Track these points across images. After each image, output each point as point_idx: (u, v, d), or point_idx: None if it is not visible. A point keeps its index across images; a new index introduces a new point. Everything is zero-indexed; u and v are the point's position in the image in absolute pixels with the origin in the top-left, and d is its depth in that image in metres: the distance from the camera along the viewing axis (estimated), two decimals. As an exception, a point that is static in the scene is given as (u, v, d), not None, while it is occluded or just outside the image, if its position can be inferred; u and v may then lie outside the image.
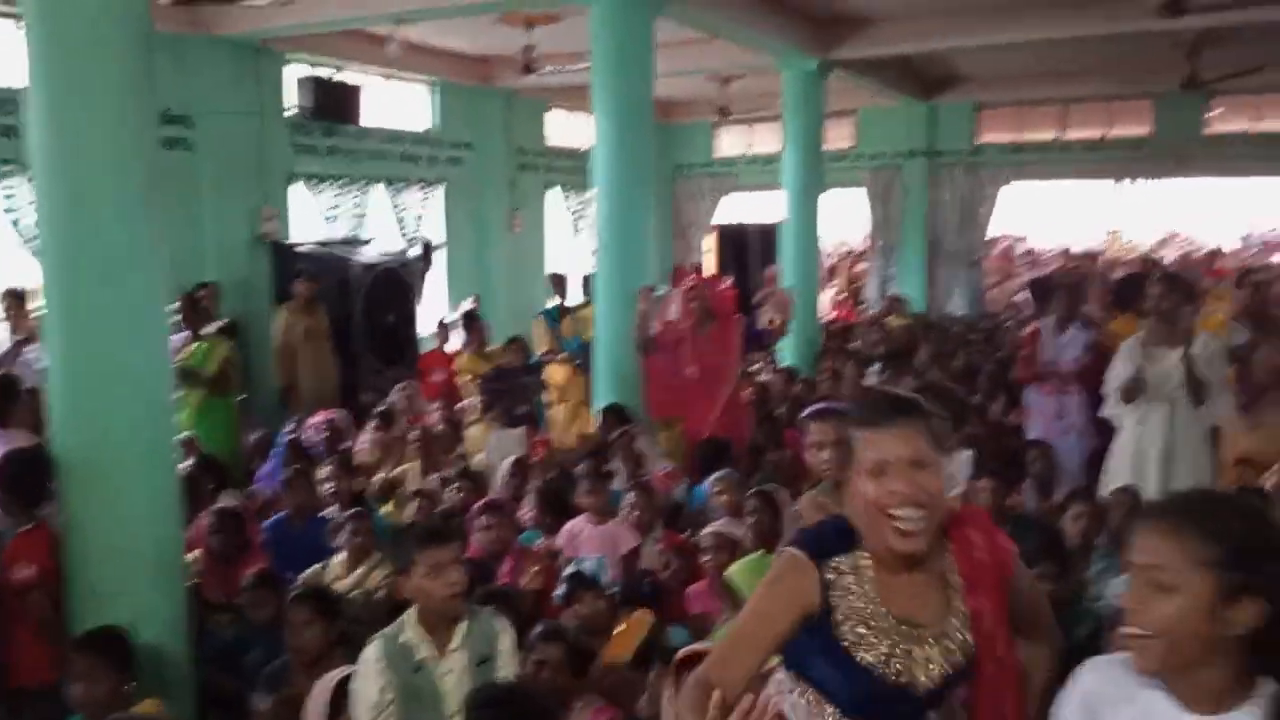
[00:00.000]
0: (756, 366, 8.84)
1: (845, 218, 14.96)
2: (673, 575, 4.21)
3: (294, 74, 9.36)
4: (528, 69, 9.29)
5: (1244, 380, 5.06)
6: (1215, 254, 13.07)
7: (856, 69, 10.35)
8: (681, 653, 2.60)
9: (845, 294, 13.95)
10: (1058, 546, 3.79)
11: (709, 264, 14.44)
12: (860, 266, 14.59)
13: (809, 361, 9.23)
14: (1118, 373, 4.77)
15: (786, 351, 9.62)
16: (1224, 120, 12.40)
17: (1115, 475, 4.82)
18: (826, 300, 13.07)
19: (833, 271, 14.97)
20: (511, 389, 6.83)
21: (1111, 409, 4.94)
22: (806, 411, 3.06)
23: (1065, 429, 5.84)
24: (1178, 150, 12.47)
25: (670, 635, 3.80)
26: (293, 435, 6.33)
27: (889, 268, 14.11)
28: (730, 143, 15.15)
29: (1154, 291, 4.81)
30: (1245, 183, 13.54)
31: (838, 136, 13.58)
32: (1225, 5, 6.95)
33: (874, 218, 14.20)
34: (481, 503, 4.74)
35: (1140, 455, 4.78)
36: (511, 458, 5.68)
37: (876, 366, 7.38)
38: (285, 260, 8.69)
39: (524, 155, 12.47)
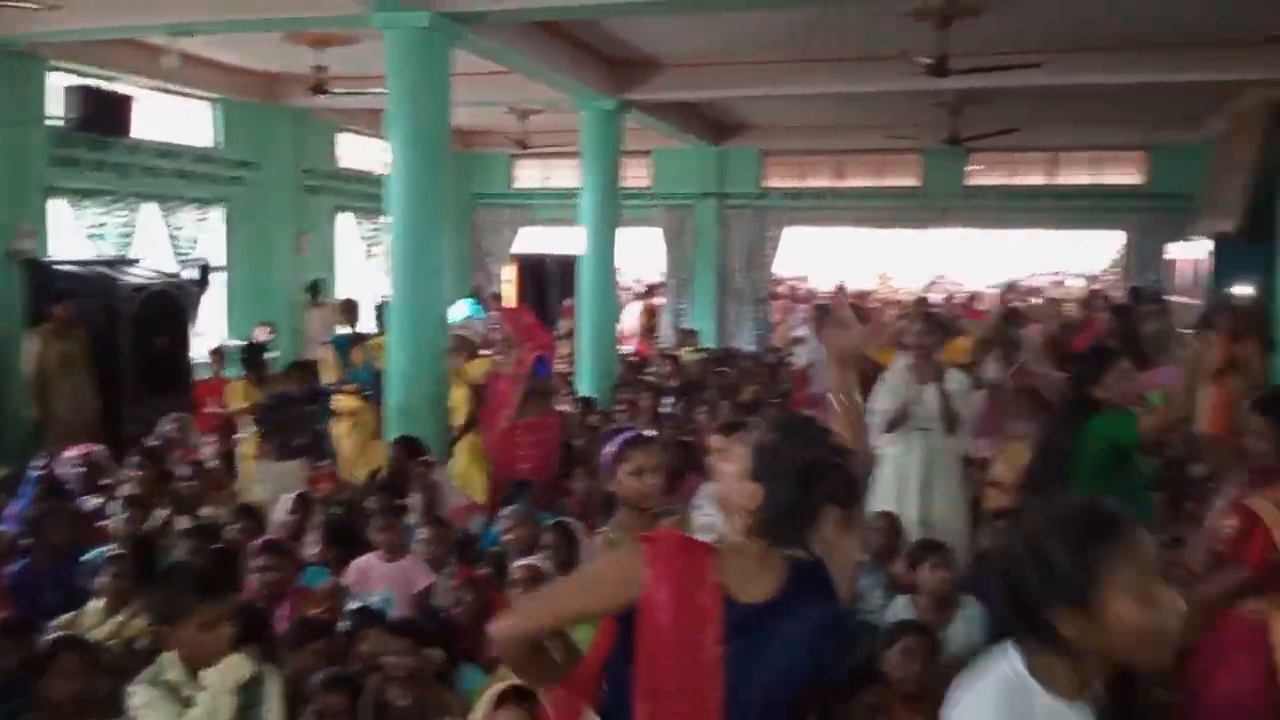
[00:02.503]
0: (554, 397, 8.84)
1: (643, 254, 15.33)
2: (466, 611, 4.11)
3: (61, 82, 8.66)
4: (318, 89, 9.00)
5: (993, 409, 5.53)
6: (975, 297, 14.21)
7: (652, 111, 10.67)
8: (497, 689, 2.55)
9: (640, 328, 14.23)
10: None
11: (509, 294, 14.40)
12: (657, 301, 14.96)
13: (606, 393, 9.34)
14: (881, 404, 5.08)
15: (583, 382, 9.69)
16: (983, 175, 13.60)
17: (879, 500, 5.12)
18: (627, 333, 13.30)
19: (647, 299, 15.25)
20: (291, 419, 6.49)
21: (875, 438, 5.24)
22: (624, 437, 3.06)
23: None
24: (942, 201, 13.58)
25: (463, 674, 3.70)
26: (44, 470, 5.78)
27: (682, 303, 14.56)
28: (529, 175, 15.23)
29: (915, 329, 5.15)
30: (1003, 233, 14.87)
31: (635, 175, 13.92)
32: (982, 69, 7.62)
33: (669, 255, 14.64)
34: (260, 541, 4.47)
35: (902, 482, 5.08)
36: (291, 493, 5.40)
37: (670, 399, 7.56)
38: (42, 280, 7.98)
39: (313, 177, 12.04)
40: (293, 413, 6.50)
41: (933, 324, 5.28)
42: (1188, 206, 11.69)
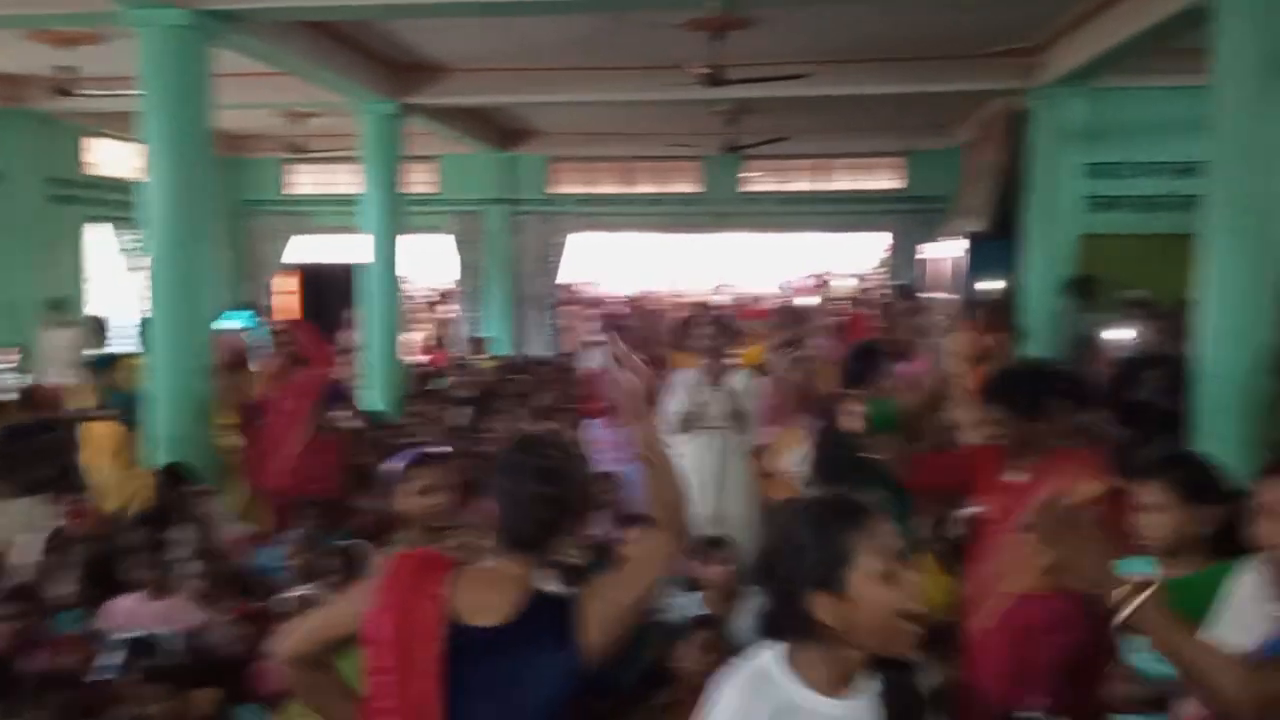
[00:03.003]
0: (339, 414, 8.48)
1: (434, 261, 15.04)
2: (242, 648, 3.86)
3: None
4: (63, 91, 8.28)
5: (776, 401, 5.77)
6: (756, 300, 14.78)
7: (435, 116, 10.46)
8: None
9: (434, 337, 13.95)
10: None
11: (290, 305, 13.74)
12: (448, 310, 14.71)
13: (395, 405, 9.06)
14: (674, 405, 5.18)
15: (371, 395, 9.38)
16: (758, 181, 14.19)
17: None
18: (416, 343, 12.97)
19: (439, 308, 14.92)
20: (27, 451, 5.83)
21: (669, 438, 5.36)
22: (409, 455, 2.94)
23: (630, 458, 6.22)
24: (721, 207, 14.09)
25: (240, 715, 3.47)
26: None
27: (475, 311, 14.38)
28: (306, 181, 14.61)
29: (705, 333, 5.30)
30: (778, 237, 15.55)
31: (422, 181, 13.62)
32: (754, 80, 7.93)
33: (461, 262, 14.44)
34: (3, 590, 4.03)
35: (695, 479, 5.22)
36: (35, 532, 4.89)
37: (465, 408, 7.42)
38: None
39: (58, 185, 11.06)
40: (30, 444, 5.86)
41: (721, 327, 5.45)
42: (943, 208, 12.62)
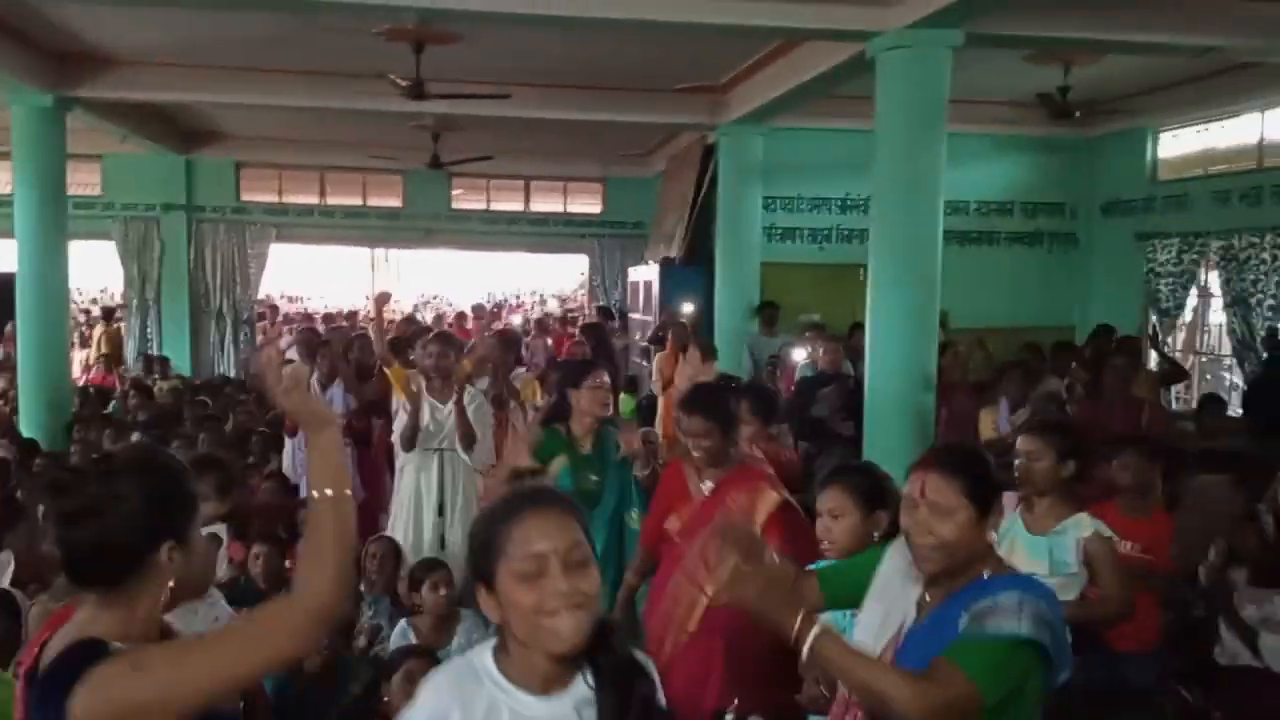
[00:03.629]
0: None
1: (99, 271, 13.55)
2: None
3: None
4: None
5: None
6: (463, 316, 14.66)
7: (102, 111, 9.49)
8: None
9: (98, 355, 12.56)
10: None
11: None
12: (114, 324, 13.30)
13: (59, 432, 8.09)
14: (397, 422, 5.04)
15: (27, 421, 8.32)
16: (466, 199, 14.10)
17: (396, 519, 5.05)
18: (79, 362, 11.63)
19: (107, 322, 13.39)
20: None
21: (400, 456, 5.20)
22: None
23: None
24: (426, 223, 13.84)
25: None
26: None
27: (149, 327, 13.14)
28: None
29: (430, 349, 5.16)
30: (485, 255, 15.55)
31: (84, 182, 12.29)
32: (456, 95, 7.88)
33: (127, 273, 13.12)
34: None
35: (419, 498, 5.07)
36: None
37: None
38: None
39: None
40: None
41: (447, 343, 5.33)
42: (642, 234, 13.15)
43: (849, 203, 9.91)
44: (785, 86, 7.83)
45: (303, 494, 5.98)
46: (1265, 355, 7.72)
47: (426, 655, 3.30)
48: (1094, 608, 3.03)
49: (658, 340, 8.06)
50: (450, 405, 5.05)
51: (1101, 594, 3.05)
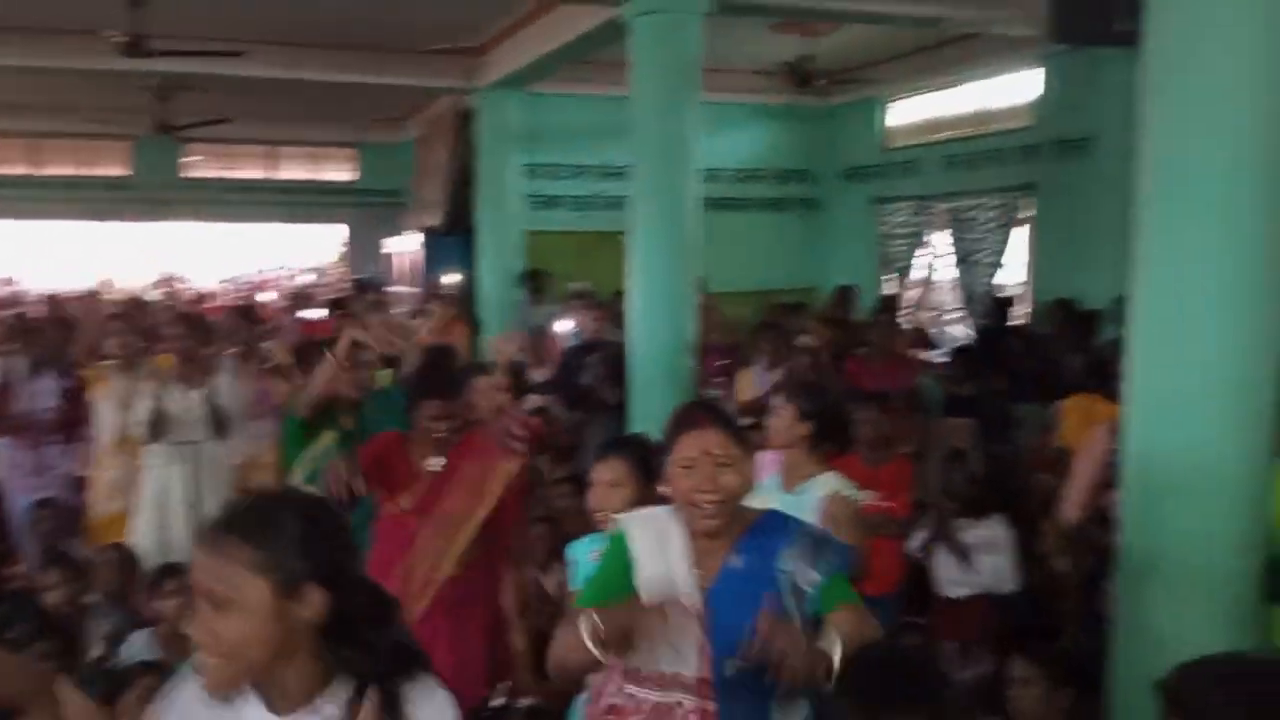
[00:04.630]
0: None
1: None
2: None
3: None
4: None
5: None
6: (206, 295, 13.63)
7: None
8: None
9: None
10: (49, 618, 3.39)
11: None
12: None
13: None
14: (140, 411, 4.57)
15: None
16: (201, 166, 13.07)
17: (138, 519, 4.64)
18: None
19: None
20: None
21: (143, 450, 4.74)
22: None
23: (47, 483, 5.39)
24: (157, 193, 12.73)
25: None
26: None
27: None
28: None
29: (174, 332, 4.74)
30: (227, 226, 14.49)
31: None
32: (183, 52, 7.23)
33: None
34: None
35: (165, 495, 4.65)
36: None
37: None
38: None
39: None
40: None
41: (194, 325, 4.89)
42: (399, 202, 12.69)
43: (610, 170, 9.94)
44: (542, 50, 7.73)
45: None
46: (988, 309, 8.44)
47: (157, 671, 3.01)
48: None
49: (421, 312, 7.79)
50: (200, 393, 4.66)
51: None
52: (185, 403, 4.65)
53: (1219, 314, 2.72)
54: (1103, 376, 5.09)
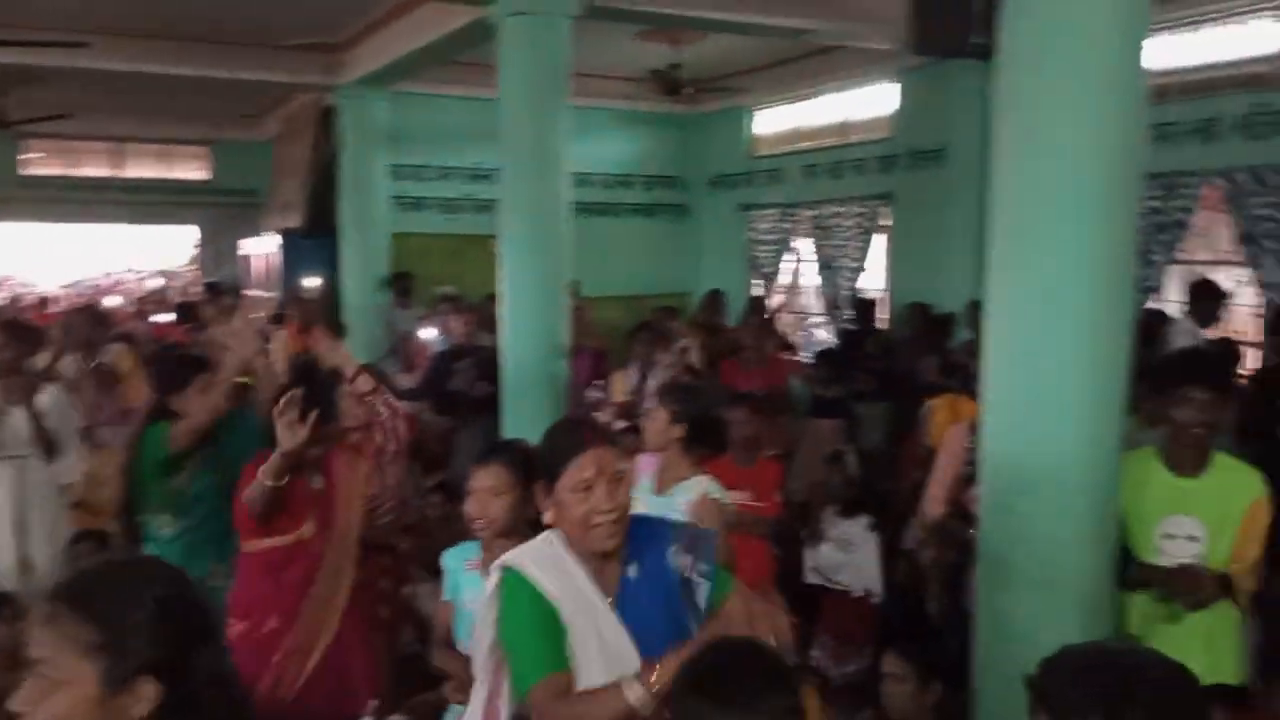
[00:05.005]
0: None
1: None
2: None
3: None
4: None
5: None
6: (46, 299, 12.82)
7: None
8: None
9: None
10: None
11: None
12: None
13: None
14: None
15: None
16: (41, 164, 12.26)
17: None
18: None
19: None
20: None
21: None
22: None
23: None
24: (-6, 191, 11.88)
25: None
26: None
27: None
28: None
29: None
30: (70, 227, 13.66)
31: None
32: (25, 43, 6.76)
33: None
34: None
35: None
36: None
37: None
38: None
39: None
40: None
41: (16, 334, 4.52)
42: (256, 203, 12.20)
43: (479, 172, 9.80)
44: (406, 48, 7.56)
45: None
46: (852, 313, 8.70)
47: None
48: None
49: (278, 319, 7.50)
50: (22, 408, 4.32)
51: None
52: (10, 419, 4.31)
53: (1069, 317, 2.86)
54: (958, 377, 5.32)
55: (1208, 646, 2.89)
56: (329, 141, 9.53)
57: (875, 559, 4.48)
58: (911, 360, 6.84)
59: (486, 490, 2.54)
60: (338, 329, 7.84)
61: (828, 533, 4.53)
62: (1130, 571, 2.94)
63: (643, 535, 2.00)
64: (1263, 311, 6.18)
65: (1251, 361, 6.21)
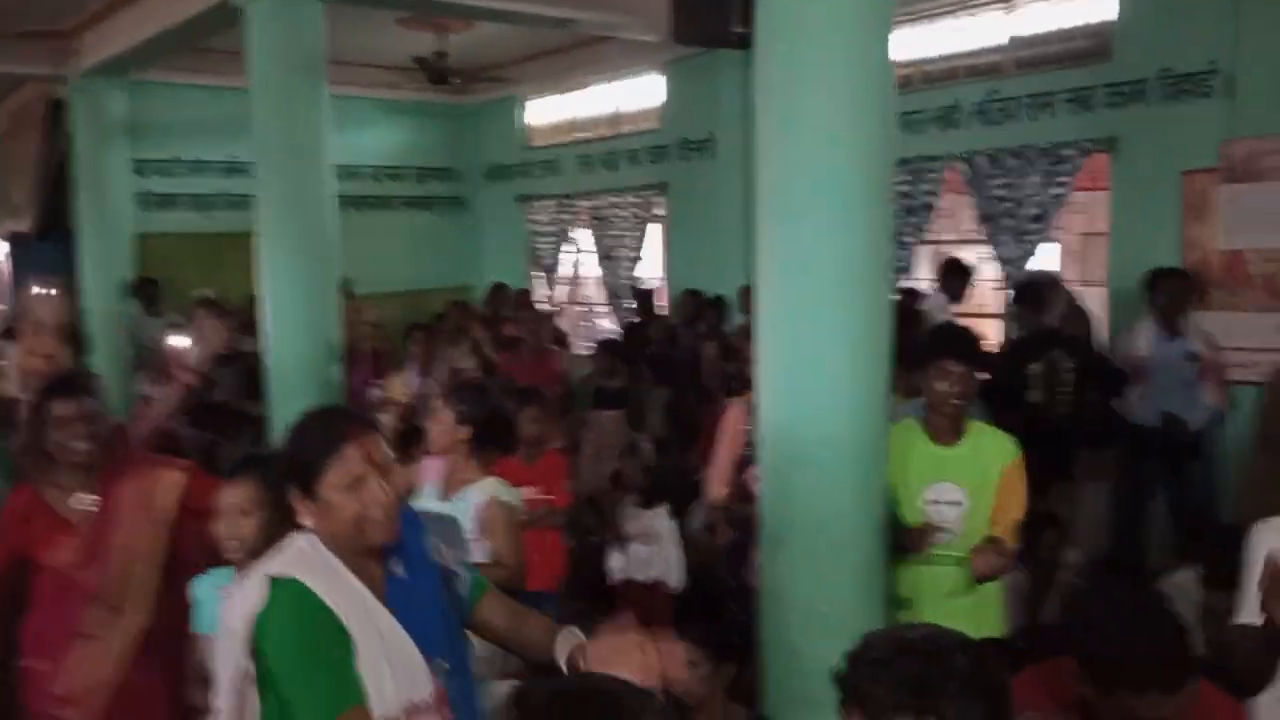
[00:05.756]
0: None
1: None
2: None
3: None
4: None
5: None
6: None
7: None
8: None
9: None
10: None
11: None
12: None
13: None
14: None
15: None
16: None
17: None
18: None
19: None
20: None
21: None
22: None
23: None
24: None
25: None
26: None
27: None
28: None
29: None
30: None
31: None
32: None
33: None
34: None
35: None
36: None
37: None
38: None
39: None
40: None
41: None
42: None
43: (235, 166, 9.17)
44: (143, 35, 6.95)
45: None
46: (633, 303, 8.79)
47: None
48: (492, 570, 3.04)
49: (6, 334, 6.74)
50: None
51: (497, 559, 3.07)
52: None
53: (834, 299, 2.95)
54: (737, 361, 5.46)
55: (974, 605, 3.08)
56: (61, 136, 8.66)
57: (677, 547, 4.52)
58: (692, 347, 6.99)
59: (234, 509, 2.32)
60: (78, 340, 7.15)
61: (630, 529, 4.52)
62: (898, 538, 3.08)
63: (404, 528, 1.86)
64: (1002, 286, 6.70)
65: (993, 333, 6.74)
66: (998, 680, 1.35)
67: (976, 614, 3.04)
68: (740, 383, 4.86)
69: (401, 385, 6.23)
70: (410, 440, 4.08)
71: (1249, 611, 2.17)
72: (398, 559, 1.83)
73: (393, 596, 1.79)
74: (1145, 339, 5.17)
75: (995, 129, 6.55)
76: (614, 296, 9.47)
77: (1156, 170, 5.75)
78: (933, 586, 3.08)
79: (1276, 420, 5.23)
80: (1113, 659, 1.75)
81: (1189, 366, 5.09)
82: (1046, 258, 6.88)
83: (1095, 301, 6.26)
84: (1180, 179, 5.63)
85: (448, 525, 1.94)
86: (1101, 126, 5.99)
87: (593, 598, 4.56)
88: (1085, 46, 6.17)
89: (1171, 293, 5.14)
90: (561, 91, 10.17)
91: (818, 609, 2.93)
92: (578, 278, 10.58)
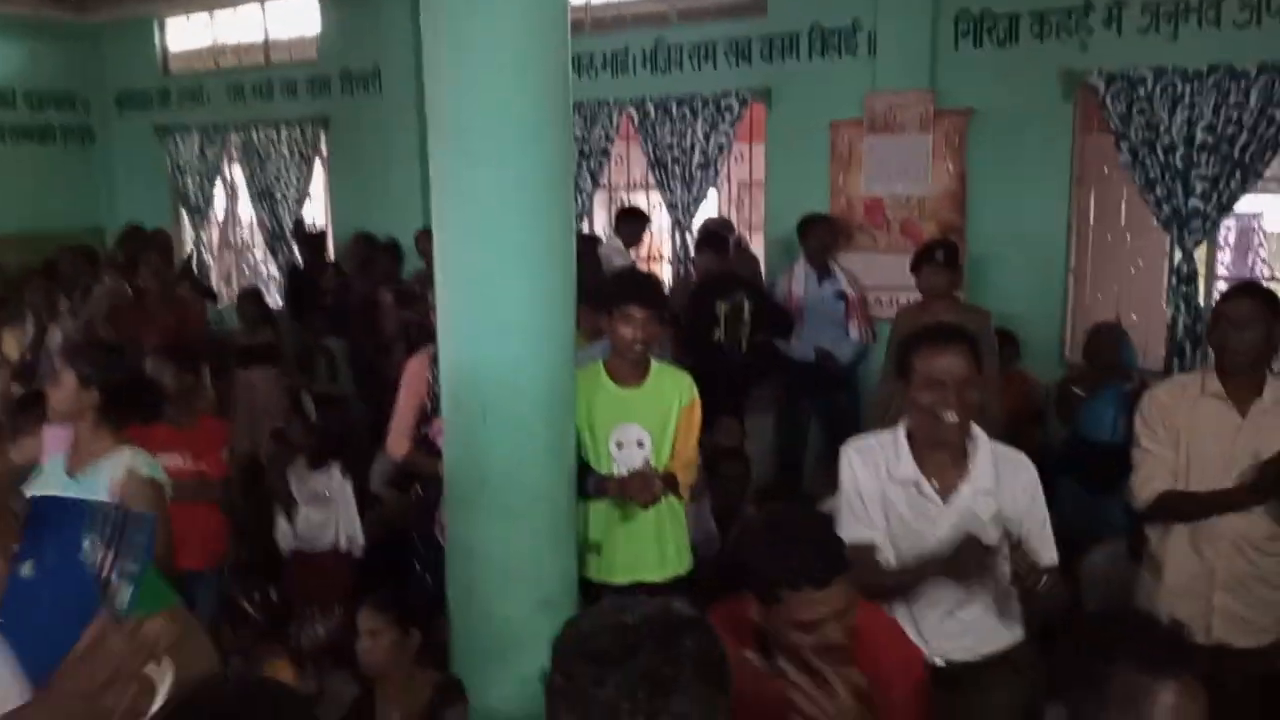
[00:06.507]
0: None
1: None
2: None
3: None
4: None
5: None
6: None
7: None
8: None
9: None
10: None
11: None
12: None
13: None
14: None
15: None
16: None
17: None
18: None
19: None
20: None
21: None
22: None
23: None
24: None
25: None
26: None
27: None
28: None
29: None
30: None
31: None
32: None
33: None
34: None
35: None
36: None
37: None
38: None
39: None
40: None
41: None
42: None
43: None
44: None
45: None
46: (297, 247, 8.17)
47: None
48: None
49: None
50: None
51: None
52: None
53: (514, 241, 2.81)
54: (415, 309, 5.21)
55: (658, 541, 3.14)
56: None
57: (353, 508, 4.23)
58: (367, 295, 6.57)
59: None
60: None
61: (298, 492, 4.16)
62: (589, 483, 3.06)
63: (47, 520, 1.53)
64: (674, 230, 6.90)
65: (666, 277, 6.95)
66: (720, 650, 1.24)
67: (660, 548, 3.11)
68: (420, 331, 4.65)
69: (14, 341, 5.39)
70: (28, 406, 3.47)
71: (844, 526, 2.31)
72: (31, 559, 1.49)
73: (11, 606, 1.47)
74: (799, 281, 5.53)
75: (664, 77, 6.69)
76: (274, 239, 8.77)
77: (808, 121, 6.12)
78: (624, 529, 3.10)
79: (898, 350, 5.82)
80: (769, 565, 1.76)
81: (838, 305, 5.51)
82: (709, 205, 7.16)
83: (755, 248, 6.62)
84: (829, 129, 6.04)
85: (129, 525, 1.58)
86: (758, 78, 6.29)
87: (263, 574, 4.21)
88: (742, 1, 6.43)
89: (820, 237, 5.53)
90: (204, 9, 9.14)
91: (507, 563, 2.84)
92: (232, 218, 9.69)
